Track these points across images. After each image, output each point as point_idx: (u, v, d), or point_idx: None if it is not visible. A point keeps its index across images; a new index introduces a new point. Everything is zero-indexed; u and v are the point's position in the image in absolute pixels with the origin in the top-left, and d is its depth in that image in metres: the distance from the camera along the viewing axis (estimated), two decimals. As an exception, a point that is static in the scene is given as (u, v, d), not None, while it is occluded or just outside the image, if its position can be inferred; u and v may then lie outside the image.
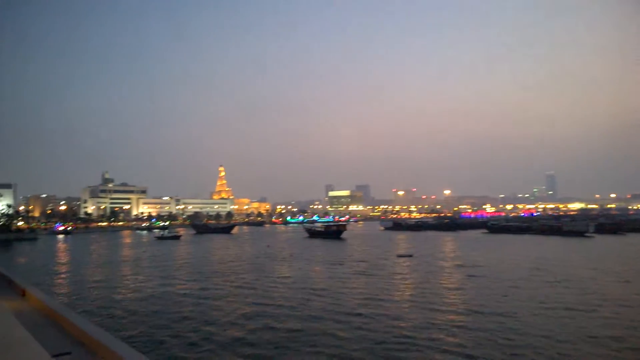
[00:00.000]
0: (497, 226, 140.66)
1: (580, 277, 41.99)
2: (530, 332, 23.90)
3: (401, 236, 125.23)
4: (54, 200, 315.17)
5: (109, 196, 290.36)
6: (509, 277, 41.84)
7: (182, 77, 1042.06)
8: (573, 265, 50.56)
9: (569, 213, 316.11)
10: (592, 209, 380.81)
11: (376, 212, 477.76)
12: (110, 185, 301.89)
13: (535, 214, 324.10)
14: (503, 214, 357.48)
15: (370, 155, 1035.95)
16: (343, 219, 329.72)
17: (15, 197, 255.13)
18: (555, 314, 27.87)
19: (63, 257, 75.91)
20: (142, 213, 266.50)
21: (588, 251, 68.63)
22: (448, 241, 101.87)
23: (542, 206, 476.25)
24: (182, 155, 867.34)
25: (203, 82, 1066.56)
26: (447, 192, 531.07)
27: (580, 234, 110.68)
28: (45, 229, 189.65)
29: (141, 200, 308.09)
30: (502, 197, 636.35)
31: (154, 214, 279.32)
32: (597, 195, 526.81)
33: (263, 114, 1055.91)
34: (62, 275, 51.04)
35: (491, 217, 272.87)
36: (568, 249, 73.94)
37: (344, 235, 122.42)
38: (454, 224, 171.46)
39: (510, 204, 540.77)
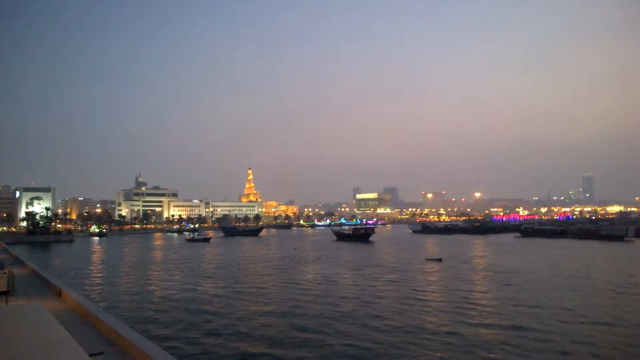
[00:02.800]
0: (531, 229, 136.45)
1: (628, 285, 40.03)
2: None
3: (430, 239, 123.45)
4: (90, 203, 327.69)
5: (142, 199, 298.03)
6: (545, 285, 40.01)
7: (209, 81, 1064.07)
8: (616, 272, 48.41)
9: (607, 216, 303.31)
10: (631, 212, 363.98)
11: (404, 215, 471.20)
12: (143, 188, 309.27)
13: (571, 217, 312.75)
14: (537, 217, 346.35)
15: (399, 158, 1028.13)
16: (371, 222, 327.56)
17: (53, 200, 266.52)
18: (598, 330, 24.75)
19: (98, 259, 78.58)
20: (172, 216, 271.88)
21: (630, 256, 65.65)
22: (479, 245, 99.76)
23: (579, 209, 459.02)
24: (213, 159, 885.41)
25: (232, 87, 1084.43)
26: (477, 194, 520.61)
27: (619, 238, 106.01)
28: (82, 231, 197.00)
29: (172, 203, 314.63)
30: (536, 199, 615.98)
31: (184, 216, 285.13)
32: (637, 198, 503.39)
33: (291, 118, 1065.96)
34: (97, 277, 52.75)
35: (524, 220, 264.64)
36: (608, 253, 70.93)
37: (372, 238, 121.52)
38: (484, 227, 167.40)
39: (544, 206, 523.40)
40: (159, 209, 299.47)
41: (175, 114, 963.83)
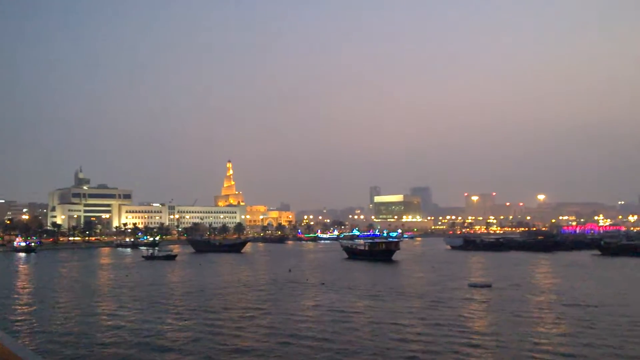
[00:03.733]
0: (615, 246, 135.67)
1: None
2: None
3: (475, 258, 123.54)
4: (13, 207, 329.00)
5: (84, 202, 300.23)
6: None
7: (176, 57, 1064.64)
8: None
9: None
10: None
11: (440, 225, 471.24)
12: (85, 187, 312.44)
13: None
14: (623, 228, 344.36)
15: (432, 148, 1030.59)
16: (394, 234, 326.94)
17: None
18: None
19: (22, 284, 78.57)
20: (125, 224, 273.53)
21: None
22: (543, 266, 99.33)
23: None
24: (180, 151, 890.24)
25: (203, 65, 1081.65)
26: (540, 197, 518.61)
27: None
28: (3, 245, 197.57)
29: (124, 208, 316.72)
30: (621, 203, 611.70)
31: (140, 225, 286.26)
32: None
33: (284, 101, 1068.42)
34: (19, 310, 52.59)
35: (606, 232, 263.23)
36: None
37: (396, 256, 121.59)
38: (551, 241, 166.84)
39: (634, 214, 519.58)
40: (107, 216, 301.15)
41: (127, 93, 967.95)
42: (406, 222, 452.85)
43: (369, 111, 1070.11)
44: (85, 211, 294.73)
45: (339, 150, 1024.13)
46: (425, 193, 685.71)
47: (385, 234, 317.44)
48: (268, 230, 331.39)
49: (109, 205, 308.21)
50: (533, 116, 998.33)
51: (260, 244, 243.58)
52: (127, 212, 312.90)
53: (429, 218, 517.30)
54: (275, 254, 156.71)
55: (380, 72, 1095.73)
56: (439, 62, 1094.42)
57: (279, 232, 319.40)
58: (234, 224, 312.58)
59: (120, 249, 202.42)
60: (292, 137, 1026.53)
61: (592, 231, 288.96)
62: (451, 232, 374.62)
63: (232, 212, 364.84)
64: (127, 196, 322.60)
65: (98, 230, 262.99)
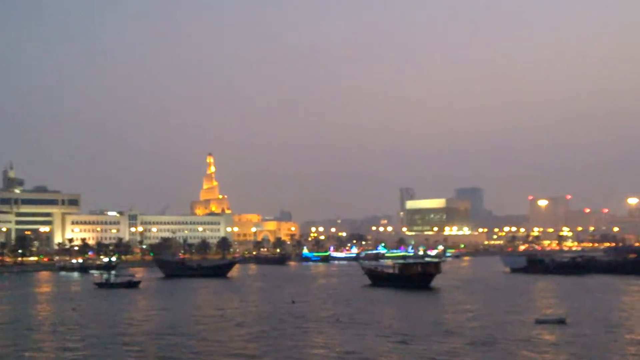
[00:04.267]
0: None
1: None
2: None
3: (544, 284, 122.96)
4: None
5: (15, 210, 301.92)
6: None
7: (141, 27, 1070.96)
8: None
9: None
10: None
11: (495, 240, 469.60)
12: (17, 190, 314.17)
13: None
14: None
15: (485, 137, 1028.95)
16: (433, 251, 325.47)
17: None
18: None
19: None
20: (70, 240, 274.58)
21: None
22: (637, 295, 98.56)
23: None
24: (142, 145, 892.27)
25: (177, 35, 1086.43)
26: (632, 201, 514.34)
27: None
28: None
29: (70, 218, 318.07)
30: None
31: (91, 241, 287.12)
32: None
33: (282, 77, 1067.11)
34: None
35: None
36: None
37: (436, 282, 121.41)
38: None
39: None
40: (47, 229, 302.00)
41: (74, 72, 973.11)
42: (450, 235, 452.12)
43: (398, 88, 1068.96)
44: (18, 222, 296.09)
45: (358, 140, 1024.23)
46: (475, 196, 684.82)
47: (421, 252, 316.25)
48: (263, 248, 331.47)
49: (49, 215, 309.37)
50: (622, 100, 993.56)
51: (253, 266, 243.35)
52: (73, 223, 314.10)
53: (480, 230, 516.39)
54: (273, 279, 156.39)
55: (411, 53, 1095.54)
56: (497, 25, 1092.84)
57: (278, 250, 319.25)
58: (217, 239, 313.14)
59: (64, 273, 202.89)
60: (294, 122, 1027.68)
61: None
62: (510, 248, 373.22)
63: (215, 223, 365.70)
64: (74, 202, 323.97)
65: (35, 248, 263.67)
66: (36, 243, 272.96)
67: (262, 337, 57.22)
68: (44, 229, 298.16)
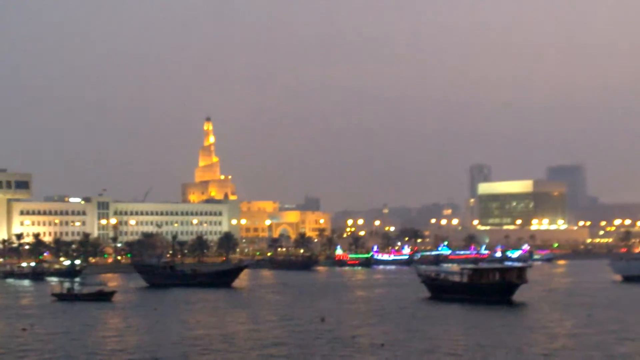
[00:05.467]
0: None
1: None
2: None
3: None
4: None
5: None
6: None
7: None
8: None
9: None
10: None
11: (602, 237, 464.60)
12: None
13: None
14: None
15: (586, 99, 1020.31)
16: (516, 253, 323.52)
17: None
18: None
19: None
20: (19, 236, 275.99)
21: None
22: None
23: None
24: (115, 110, 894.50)
25: None
26: None
27: None
28: None
29: (18, 206, 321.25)
30: None
31: (47, 237, 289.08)
32: None
33: (304, 21, 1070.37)
34: None
35: None
36: None
37: (520, 294, 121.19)
38: None
39: None
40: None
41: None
42: (538, 231, 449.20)
43: (466, 38, 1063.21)
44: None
45: (411, 104, 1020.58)
46: (573, 178, 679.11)
47: (499, 254, 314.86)
48: (281, 247, 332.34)
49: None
50: None
51: (267, 272, 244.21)
52: (22, 213, 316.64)
53: (580, 223, 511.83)
54: (296, 289, 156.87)
55: None
56: None
57: (302, 251, 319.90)
58: (219, 235, 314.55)
59: (11, 280, 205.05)
60: (324, 81, 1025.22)
61: None
62: (624, 249, 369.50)
63: (215, 214, 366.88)
64: (23, 185, 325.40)
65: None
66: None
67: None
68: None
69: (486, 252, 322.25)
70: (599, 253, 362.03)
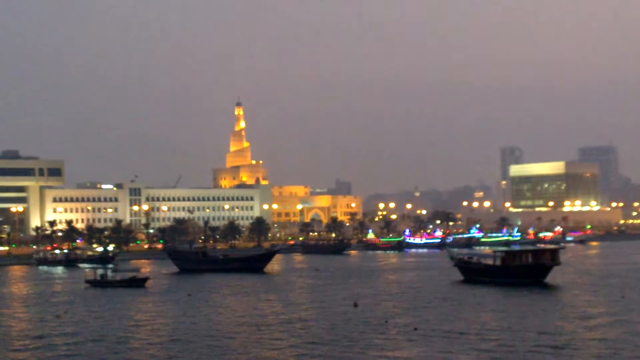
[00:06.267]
0: None
1: None
2: None
3: None
4: None
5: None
6: None
7: None
8: None
9: None
10: None
11: (636, 219, 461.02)
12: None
13: None
14: None
15: (621, 76, 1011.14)
16: (548, 235, 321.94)
17: None
18: None
19: None
20: (52, 223, 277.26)
21: None
22: None
23: None
24: (147, 97, 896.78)
25: None
26: None
27: None
28: None
29: (51, 193, 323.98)
30: None
31: (80, 224, 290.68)
32: None
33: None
34: None
35: None
36: None
37: (554, 276, 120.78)
38: None
39: None
40: (20, 207, 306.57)
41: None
42: (571, 212, 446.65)
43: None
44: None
45: (442, 84, 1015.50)
46: (605, 158, 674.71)
47: (531, 236, 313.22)
48: (313, 231, 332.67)
49: (22, 189, 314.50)
50: None
51: (299, 256, 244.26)
52: (55, 200, 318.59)
53: (614, 205, 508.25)
54: (328, 274, 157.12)
55: None
56: None
57: (333, 235, 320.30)
58: (250, 220, 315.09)
59: (44, 267, 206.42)
60: (354, 61, 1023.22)
61: None
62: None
63: (247, 199, 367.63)
64: (56, 172, 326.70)
65: (4, 235, 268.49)
66: (6, 227, 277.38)
67: (313, 352, 57.46)
68: (16, 208, 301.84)
69: (518, 235, 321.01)
70: (633, 234, 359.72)
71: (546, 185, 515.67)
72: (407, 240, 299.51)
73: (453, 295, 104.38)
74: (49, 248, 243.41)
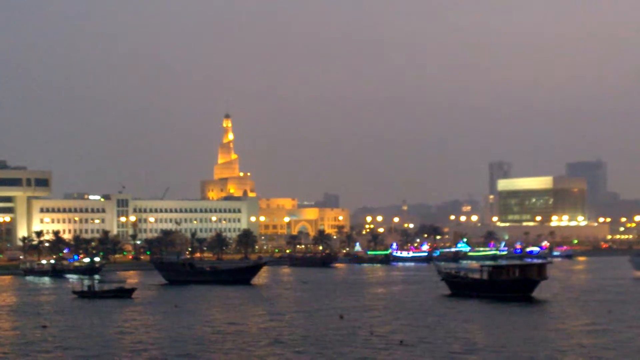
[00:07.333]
0: None
1: None
2: None
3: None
4: None
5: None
6: None
7: None
8: None
9: None
10: None
11: (622, 233, 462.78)
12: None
13: None
14: None
15: (607, 95, 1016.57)
16: (535, 249, 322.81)
17: None
18: None
19: None
20: (39, 234, 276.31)
21: None
22: None
23: None
24: (134, 109, 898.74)
25: None
26: None
27: None
28: None
29: (38, 204, 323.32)
30: None
31: (67, 235, 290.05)
32: None
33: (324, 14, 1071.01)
34: None
35: None
36: None
37: (541, 291, 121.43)
38: None
39: None
40: (7, 217, 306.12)
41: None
42: (558, 227, 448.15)
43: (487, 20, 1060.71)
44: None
45: (432, 98, 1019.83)
46: (593, 174, 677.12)
47: (519, 250, 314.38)
48: (300, 244, 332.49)
49: (9, 200, 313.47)
50: None
51: (286, 269, 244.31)
52: (42, 211, 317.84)
53: (601, 220, 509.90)
54: (315, 286, 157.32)
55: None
56: None
57: (321, 248, 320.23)
58: (238, 232, 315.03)
59: (31, 277, 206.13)
60: (342, 74, 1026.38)
61: None
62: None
63: (234, 211, 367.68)
64: (43, 183, 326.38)
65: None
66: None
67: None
68: (3, 218, 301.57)
69: (506, 249, 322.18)
70: (620, 249, 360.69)
71: (534, 200, 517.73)
72: (394, 253, 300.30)
73: (440, 309, 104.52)
74: (35, 258, 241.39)
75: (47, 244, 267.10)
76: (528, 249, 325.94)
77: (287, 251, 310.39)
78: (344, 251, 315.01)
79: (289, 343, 69.76)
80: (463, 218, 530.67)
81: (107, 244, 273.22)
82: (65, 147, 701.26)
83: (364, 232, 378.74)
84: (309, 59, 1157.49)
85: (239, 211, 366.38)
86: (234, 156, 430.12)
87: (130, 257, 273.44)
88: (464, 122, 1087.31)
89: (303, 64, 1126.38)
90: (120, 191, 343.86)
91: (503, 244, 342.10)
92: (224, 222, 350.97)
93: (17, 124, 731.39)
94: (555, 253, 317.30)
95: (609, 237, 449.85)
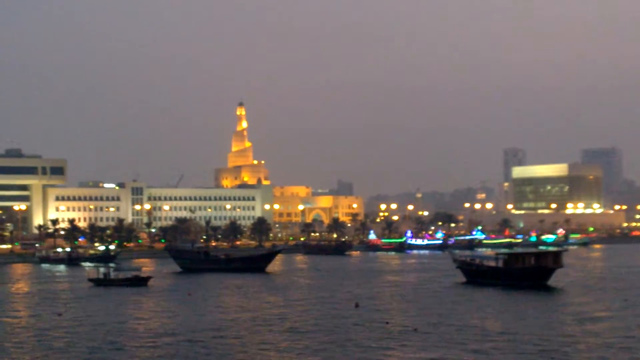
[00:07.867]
0: None
1: None
2: None
3: None
4: None
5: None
6: None
7: None
8: None
9: None
10: None
11: (639, 222, 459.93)
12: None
13: None
14: None
15: (623, 80, 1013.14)
16: (551, 237, 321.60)
17: None
18: None
19: None
20: (55, 222, 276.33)
21: None
22: None
23: None
24: (147, 98, 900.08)
25: None
26: None
27: None
28: None
29: (53, 192, 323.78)
30: None
31: (82, 223, 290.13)
32: None
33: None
34: None
35: None
36: None
37: (556, 279, 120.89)
38: None
39: None
40: (23, 206, 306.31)
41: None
42: (574, 215, 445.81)
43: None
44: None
45: (445, 84, 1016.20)
46: (608, 161, 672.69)
47: (534, 238, 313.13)
48: (314, 232, 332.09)
49: (25, 188, 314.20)
50: None
51: (301, 257, 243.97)
52: (58, 199, 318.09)
53: (617, 207, 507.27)
54: (329, 274, 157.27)
55: None
56: None
57: (335, 235, 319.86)
58: (252, 220, 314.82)
59: (47, 265, 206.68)
60: (355, 61, 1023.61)
61: None
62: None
63: (248, 199, 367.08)
64: (58, 171, 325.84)
65: (7, 233, 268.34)
66: (9, 226, 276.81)
67: (314, 352, 57.53)
68: (18, 206, 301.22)
69: (521, 236, 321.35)
70: (636, 237, 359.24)
71: (549, 187, 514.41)
72: (409, 241, 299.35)
73: (455, 297, 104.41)
74: (51, 246, 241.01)
75: (62, 232, 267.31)
76: (543, 237, 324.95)
77: (302, 239, 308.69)
78: (358, 239, 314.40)
79: (304, 332, 69.68)
80: (478, 206, 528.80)
81: (122, 232, 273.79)
82: (80, 136, 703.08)
83: (378, 220, 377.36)
84: (323, 46, 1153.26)
85: (253, 199, 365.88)
86: (247, 144, 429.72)
87: (145, 245, 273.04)
88: (478, 109, 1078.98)
89: (317, 52, 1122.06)
90: (134, 179, 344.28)
91: (519, 231, 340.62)
92: (238, 210, 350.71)
93: (33, 113, 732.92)
94: (571, 241, 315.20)
95: (625, 224, 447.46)
